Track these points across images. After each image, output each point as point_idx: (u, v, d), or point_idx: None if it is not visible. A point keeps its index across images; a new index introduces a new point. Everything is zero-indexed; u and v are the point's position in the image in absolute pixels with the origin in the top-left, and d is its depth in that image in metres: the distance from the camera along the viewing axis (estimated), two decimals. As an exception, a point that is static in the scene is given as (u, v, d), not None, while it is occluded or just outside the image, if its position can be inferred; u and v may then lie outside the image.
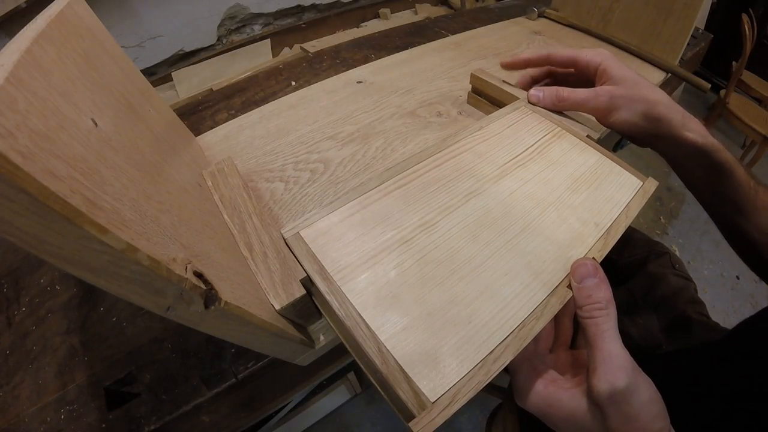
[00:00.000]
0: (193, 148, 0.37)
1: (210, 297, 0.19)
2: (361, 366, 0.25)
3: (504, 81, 0.44)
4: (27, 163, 0.12)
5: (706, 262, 1.44)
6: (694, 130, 0.34)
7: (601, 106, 0.36)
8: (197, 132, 0.46)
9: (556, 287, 0.26)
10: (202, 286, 0.18)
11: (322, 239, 0.28)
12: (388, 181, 0.32)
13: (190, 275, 0.17)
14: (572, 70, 0.41)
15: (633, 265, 0.59)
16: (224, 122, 0.47)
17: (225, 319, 0.20)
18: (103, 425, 0.28)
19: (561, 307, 0.25)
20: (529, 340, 0.24)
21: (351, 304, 0.24)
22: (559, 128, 0.38)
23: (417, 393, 0.21)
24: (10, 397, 0.30)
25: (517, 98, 0.41)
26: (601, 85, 0.37)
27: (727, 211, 0.37)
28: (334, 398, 0.98)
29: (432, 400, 0.21)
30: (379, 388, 0.24)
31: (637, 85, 0.35)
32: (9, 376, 0.31)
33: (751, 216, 0.36)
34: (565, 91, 0.38)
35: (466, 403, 0.21)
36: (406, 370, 0.22)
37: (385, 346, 0.23)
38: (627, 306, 0.54)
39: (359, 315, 0.24)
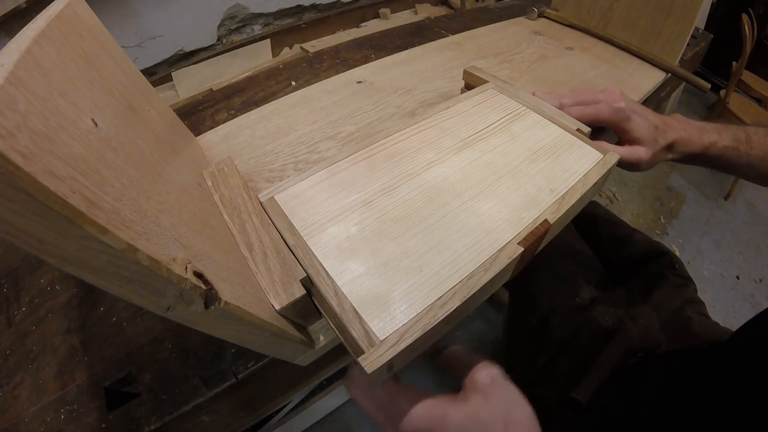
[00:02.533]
0: (193, 148, 0.37)
1: (210, 297, 0.19)
2: (327, 319, 0.27)
3: (494, 76, 0.44)
4: (27, 163, 0.12)
5: (706, 262, 1.43)
6: (706, 141, 0.42)
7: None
8: (197, 132, 0.46)
9: (507, 244, 0.28)
10: (202, 286, 0.18)
11: (293, 202, 0.30)
12: (356, 153, 0.34)
13: (190, 275, 0.17)
14: None
15: (633, 265, 0.59)
16: (224, 122, 0.47)
17: (225, 319, 0.20)
18: (103, 425, 0.28)
19: (510, 261, 0.27)
20: (477, 289, 0.25)
21: (314, 254, 0.27)
22: (525, 107, 0.39)
23: (367, 331, 0.23)
24: (10, 397, 0.30)
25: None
26: (626, 141, 0.42)
27: (740, 174, 0.47)
28: (334, 398, 0.98)
29: (381, 338, 0.23)
30: (338, 334, 0.27)
31: (657, 142, 0.41)
32: (9, 376, 0.31)
33: (750, 169, 0.45)
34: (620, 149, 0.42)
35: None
36: (359, 311, 0.24)
37: (342, 290, 0.25)
38: (627, 305, 0.54)
39: (320, 264, 0.26)
